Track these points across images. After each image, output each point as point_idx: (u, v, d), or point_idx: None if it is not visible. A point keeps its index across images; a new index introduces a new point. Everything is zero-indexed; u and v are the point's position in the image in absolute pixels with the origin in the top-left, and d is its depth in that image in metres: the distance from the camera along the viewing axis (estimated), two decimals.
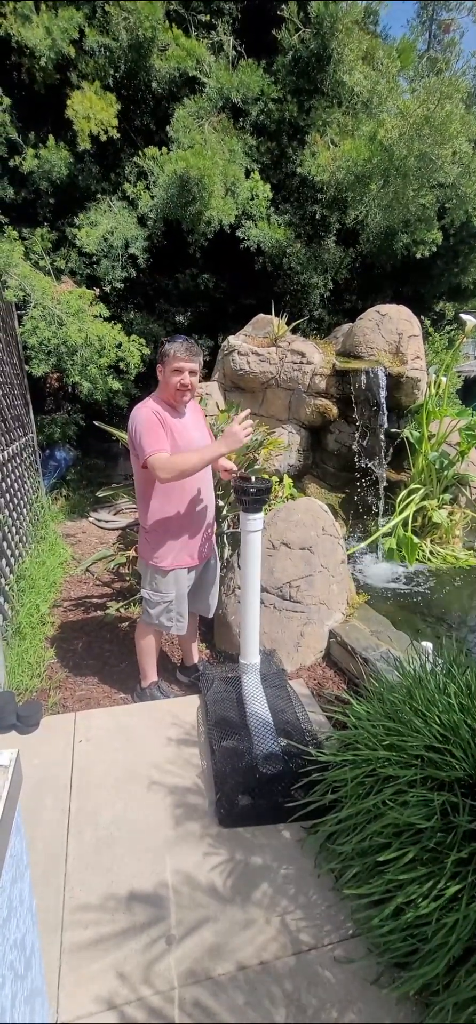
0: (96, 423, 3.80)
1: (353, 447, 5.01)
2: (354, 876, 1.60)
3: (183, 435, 2.35)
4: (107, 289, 6.18)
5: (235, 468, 2.52)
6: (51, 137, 5.67)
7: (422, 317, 6.76)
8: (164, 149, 5.98)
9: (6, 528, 3.57)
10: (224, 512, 3.39)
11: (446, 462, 4.66)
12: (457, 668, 1.96)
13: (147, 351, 5.49)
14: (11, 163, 5.63)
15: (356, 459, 4.98)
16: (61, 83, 5.75)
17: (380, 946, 1.47)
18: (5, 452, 3.84)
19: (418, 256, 6.89)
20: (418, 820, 1.46)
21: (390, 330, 5.14)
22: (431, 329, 8.26)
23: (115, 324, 5.41)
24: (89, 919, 1.66)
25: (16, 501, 4.05)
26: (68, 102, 5.39)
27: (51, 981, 1.50)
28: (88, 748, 2.35)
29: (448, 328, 8.67)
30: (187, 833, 1.94)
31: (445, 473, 4.69)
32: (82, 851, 1.88)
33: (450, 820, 1.44)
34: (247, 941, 1.59)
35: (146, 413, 2.29)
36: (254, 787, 2.04)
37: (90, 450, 7.12)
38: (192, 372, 2.31)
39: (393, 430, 5.08)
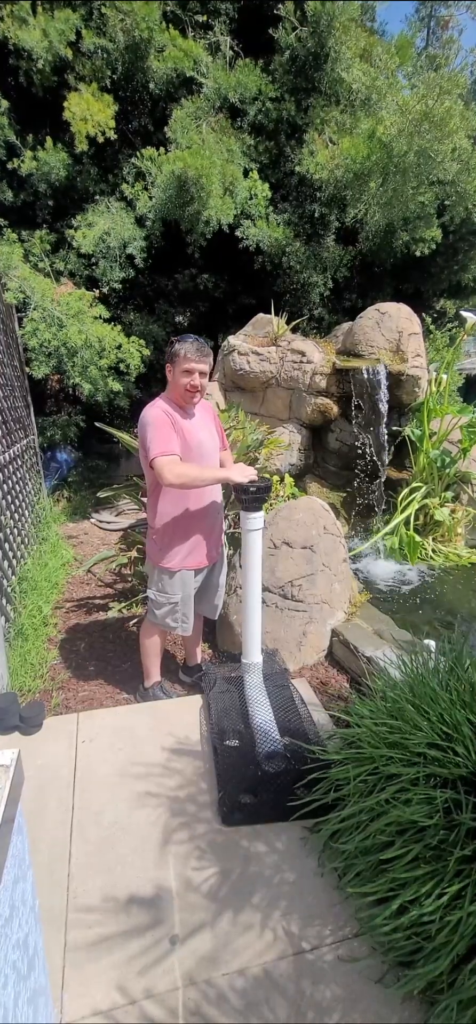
0: (97, 424, 3.80)
1: (355, 445, 5.00)
2: (357, 875, 1.60)
3: (193, 435, 2.34)
4: (105, 290, 6.19)
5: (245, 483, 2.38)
6: (49, 139, 5.68)
7: (423, 315, 6.74)
8: (162, 149, 5.99)
9: (8, 530, 3.57)
10: (224, 511, 3.38)
11: (448, 460, 4.65)
12: (459, 665, 1.96)
13: (147, 352, 5.49)
14: (10, 165, 5.65)
15: (359, 457, 4.97)
16: (59, 85, 5.76)
17: (384, 945, 1.47)
18: (7, 454, 3.84)
19: (418, 254, 6.89)
20: (421, 818, 1.46)
21: (390, 328, 5.12)
22: (432, 327, 8.24)
23: (115, 325, 5.41)
24: (93, 919, 1.66)
25: (18, 503, 4.06)
26: (65, 104, 5.40)
27: (55, 981, 1.50)
28: (91, 748, 2.35)
29: (449, 326, 8.65)
30: (190, 832, 1.94)
31: (447, 471, 4.67)
32: (85, 851, 1.88)
33: (453, 818, 1.44)
34: (249, 941, 1.58)
35: (156, 413, 2.26)
36: (256, 785, 2.04)
37: (91, 451, 7.13)
38: (202, 373, 2.28)
39: (394, 428, 5.07)
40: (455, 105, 5.74)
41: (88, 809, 2.05)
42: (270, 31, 6.48)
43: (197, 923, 1.64)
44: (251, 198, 6.37)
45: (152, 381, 6.91)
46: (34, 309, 4.80)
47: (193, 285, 7.12)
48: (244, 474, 2.31)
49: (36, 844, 1.89)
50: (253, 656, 2.54)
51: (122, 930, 1.63)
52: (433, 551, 4.48)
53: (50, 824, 1.98)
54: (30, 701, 2.75)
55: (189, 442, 2.31)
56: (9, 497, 3.77)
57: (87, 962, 1.55)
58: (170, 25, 6.06)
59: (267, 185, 6.45)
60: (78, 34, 5.54)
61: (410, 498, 4.64)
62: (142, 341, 5.49)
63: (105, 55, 5.73)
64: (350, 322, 5.74)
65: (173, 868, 1.81)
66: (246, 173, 6.43)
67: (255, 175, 6.39)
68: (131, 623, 3.49)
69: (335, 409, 5.23)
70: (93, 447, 7.11)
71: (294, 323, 5.84)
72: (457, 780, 1.51)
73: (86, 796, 2.11)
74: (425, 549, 4.45)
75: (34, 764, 2.25)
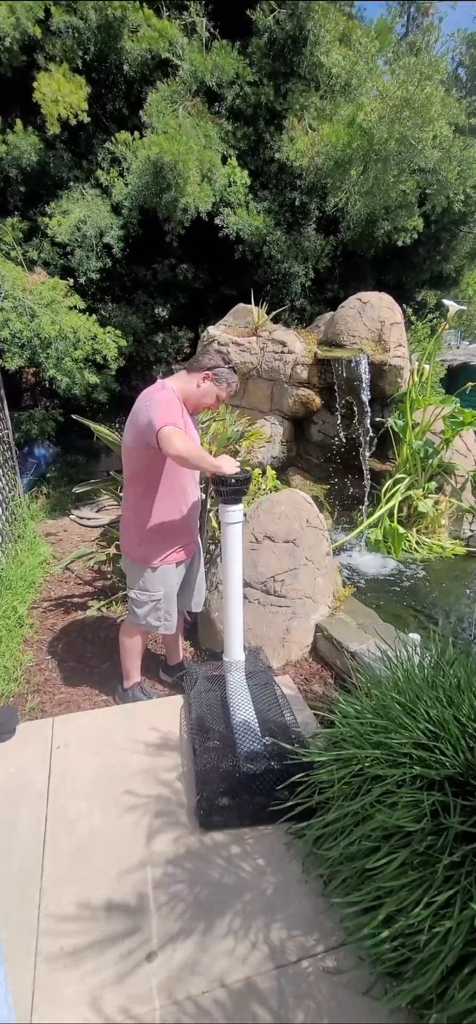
0: (74, 416, 3.67)
1: (337, 438, 4.95)
2: (343, 882, 1.54)
3: (189, 430, 2.33)
4: (82, 280, 6.01)
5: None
6: (19, 122, 5.47)
7: (404, 306, 6.70)
8: (137, 134, 5.82)
9: None
10: (208, 507, 3.29)
11: (431, 451, 4.62)
12: (445, 661, 1.91)
13: (124, 343, 5.34)
14: None
15: (342, 449, 4.93)
16: (28, 65, 5.54)
17: (371, 955, 1.41)
18: None
19: (399, 244, 6.83)
20: (407, 822, 1.40)
21: (372, 318, 5.07)
22: (413, 318, 8.22)
23: (91, 316, 5.25)
24: (65, 932, 1.57)
25: None
26: (35, 84, 5.20)
27: (24, 996, 1.41)
28: (66, 754, 2.26)
29: (430, 317, 8.63)
30: (167, 838, 1.86)
31: (430, 462, 4.64)
32: (59, 862, 1.79)
33: (440, 821, 1.38)
34: (230, 954, 1.51)
35: (169, 396, 2.25)
36: (236, 788, 1.96)
37: (71, 447, 6.94)
38: None
39: (377, 419, 5.02)
40: (436, 92, 5.69)
41: (62, 818, 1.96)
42: (247, 12, 6.33)
43: (175, 933, 1.56)
44: (230, 185, 6.23)
45: (132, 374, 6.75)
46: (4, 298, 4.62)
47: (172, 275, 6.97)
48: (232, 466, 2.26)
49: (7, 855, 1.80)
50: (235, 654, 2.47)
51: (96, 942, 1.54)
52: (417, 543, 4.45)
53: (22, 834, 1.89)
54: (3, 706, 2.64)
55: (186, 434, 2.27)
56: None
57: (59, 978, 1.46)
58: (144, 4, 5.87)
59: (246, 172, 6.32)
60: (47, 12, 5.32)
61: (394, 490, 4.60)
62: (118, 331, 5.35)
63: (76, 34, 5.52)
64: (332, 312, 5.67)
65: (150, 877, 1.73)
66: (224, 159, 6.29)
67: (234, 161, 6.25)
68: (111, 622, 3.39)
69: (317, 400, 5.16)
70: (73, 442, 6.93)
71: (275, 313, 5.75)
72: (444, 781, 1.46)
73: (60, 804, 2.02)
74: (409, 541, 4.42)
75: (6, 772, 2.15)
